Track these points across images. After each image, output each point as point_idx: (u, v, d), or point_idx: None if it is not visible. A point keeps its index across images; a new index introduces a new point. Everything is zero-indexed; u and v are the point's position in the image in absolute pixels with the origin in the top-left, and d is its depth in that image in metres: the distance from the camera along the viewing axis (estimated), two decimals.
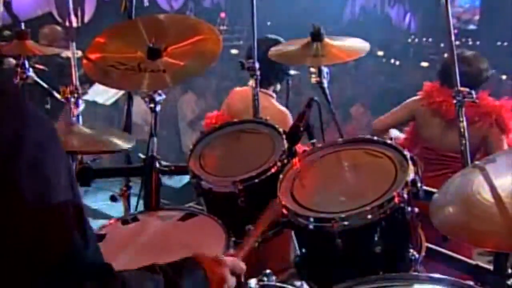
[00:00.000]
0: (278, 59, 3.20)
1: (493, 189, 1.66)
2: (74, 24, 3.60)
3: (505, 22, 9.77)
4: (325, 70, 3.01)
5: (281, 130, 2.46)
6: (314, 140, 2.48)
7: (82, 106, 2.92)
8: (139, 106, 4.29)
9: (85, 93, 3.02)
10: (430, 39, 12.36)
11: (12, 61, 3.98)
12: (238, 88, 4.09)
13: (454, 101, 2.73)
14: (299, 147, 2.54)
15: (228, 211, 2.32)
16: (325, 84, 3.02)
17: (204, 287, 1.40)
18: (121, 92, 5.44)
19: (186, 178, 3.92)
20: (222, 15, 12.18)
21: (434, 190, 1.98)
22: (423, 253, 2.10)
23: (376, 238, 1.97)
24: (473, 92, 2.71)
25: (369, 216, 1.94)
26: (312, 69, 3.03)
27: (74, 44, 3.22)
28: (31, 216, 1.05)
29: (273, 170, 2.30)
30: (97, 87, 5.54)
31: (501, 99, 4.13)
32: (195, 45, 2.69)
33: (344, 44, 3.08)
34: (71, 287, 1.09)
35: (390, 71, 10.61)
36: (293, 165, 2.25)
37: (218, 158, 2.52)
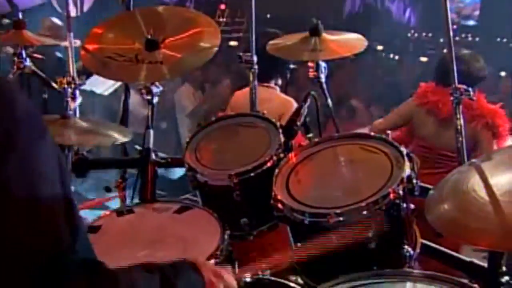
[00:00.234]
0: (276, 53, 3.19)
1: (488, 187, 1.65)
2: (73, 14, 3.58)
3: (505, 18, 9.75)
4: (323, 64, 3.01)
5: (277, 124, 2.46)
6: (311, 135, 2.48)
7: (79, 98, 2.91)
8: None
9: (82, 83, 2.99)
10: (429, 34, 12.32)
11: (10, 50, 3.98)
12: (239, 91, 4.08)
13: (451, 98, 2.72)
14: (301, 139, 2.54)
15: (224, 205, 2.32)
16: (323, 79, 3.02)
17: None
18: (120, 82, 5.42)
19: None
20: (222, 6, 12.12)
21: (430, 186, 1.97)
22: (417, 250, 2.10)
23: (371, 234, 1.97)
24: (470, 89, 2.70)
25: (364, 212, 1.94)
26: (310, 64, 3.02)
27: (71, 34, 3.21)
28: (18, 211, 1.04)
29: (269, 164, 2.30)
30: (95, 77, 5.52)
31: (497, 101, 4.16)
32: (193, 37, 2.69)
33: (342, 39, 3.08)
34: (59, 281, 1.08)
35: (389, 66, 10.58)
36: (289, 159, 2.25)
37: (214, 151, 2.52)
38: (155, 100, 2.76)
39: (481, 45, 10.16)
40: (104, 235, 2.14)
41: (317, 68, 3.01)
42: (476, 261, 2.41)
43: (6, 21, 4.59)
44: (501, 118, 4.07)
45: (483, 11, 12.51)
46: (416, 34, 13.09)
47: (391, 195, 1.95)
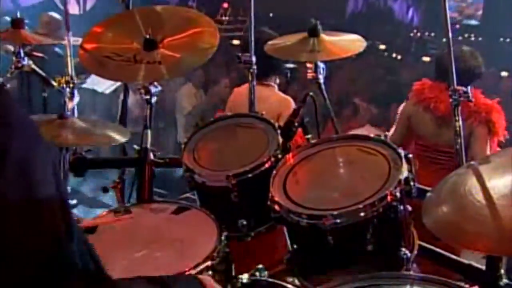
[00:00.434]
0: (274, 54, 3.18)
1: (485, 190, 1.64)
2: (76, 12, 3.58)
3: (508, 19, 9.73)
4: (321, 65, 3.00)
5: (276, 125, 2.45)
6: (309, 136, 2.48)
7: (77, 98, 2.90)
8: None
9: (82, 82, 2.99)
10: (432, 34, 12.30)
11: (10, 47, 3.97)
12: (238, 88, 4.07)
13: (450, 100, 2.71)
14: (301, 138, 2.53)
15: (221, 206, 2.31)
16: (321, 80, 3.01)
17: None
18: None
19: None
20: (225, 5, 12.12)
21: (427, 188, 1.96)
22: (415, 252, 2.10)
23: (368, 236, 1.96)
24: (469, 91, 2.69)
25: (362, 214, 1.93)
26: (309, 65, 3.02)
27: (70, 33, 3.20)
28: (17, 212, 1.04)
29: (267, 165, 2.29)
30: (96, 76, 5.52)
31: (494, 100, 4.13)
32: (192, 37, 2.68)
33: (340, 40, 3.07)
34: (55, 285, 1.08)
35: (392, 65, 10.57)
36: (287, 160, 2.24)
37: (212, 152, 2.51)
38: (154, 100, 2.75)
39: (484, 45, 10.13)
40: (101, 235, 2.13)
41: (316, 69, 3.00)
42: (474, 263, 2.40)
43: (7, 18, 4.58)
44: (498, 113, 4.04)
45: (486, 11, 12.49)
46: (418, 34, 13.07)
47: (389, 197, 1.94)
